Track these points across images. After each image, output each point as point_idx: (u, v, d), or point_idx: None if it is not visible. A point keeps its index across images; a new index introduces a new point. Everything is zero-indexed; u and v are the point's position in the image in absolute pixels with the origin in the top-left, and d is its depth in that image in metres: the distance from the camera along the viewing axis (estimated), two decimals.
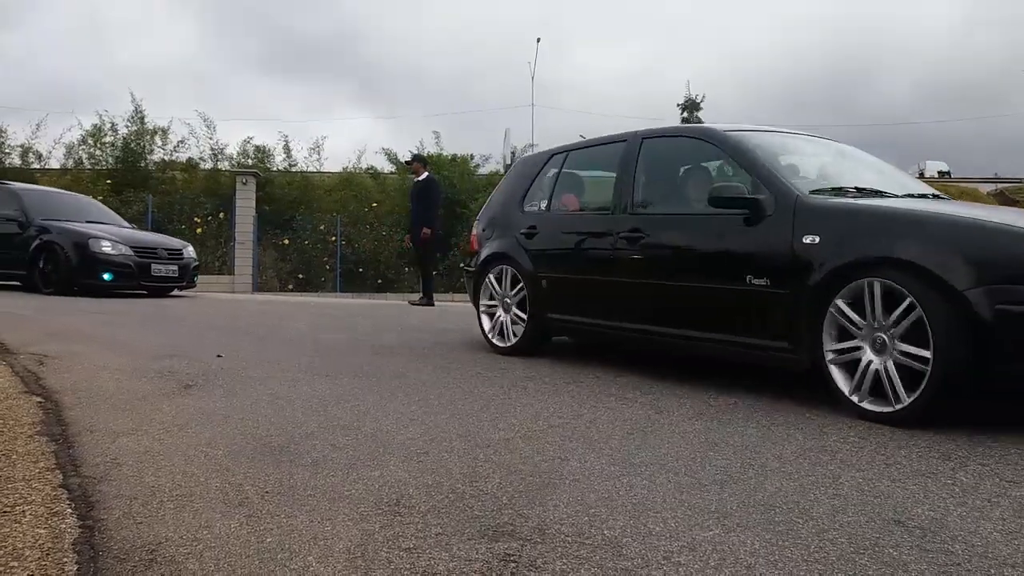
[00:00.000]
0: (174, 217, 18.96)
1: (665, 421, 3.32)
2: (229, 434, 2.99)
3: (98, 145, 21.91)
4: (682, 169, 4.82)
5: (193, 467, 2.56)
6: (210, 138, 22.58)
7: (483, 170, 23.93)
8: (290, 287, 19.29)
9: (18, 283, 10.80)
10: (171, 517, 2.12)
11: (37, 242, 10.31)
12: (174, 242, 11.67)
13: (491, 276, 5.53)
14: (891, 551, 1.93)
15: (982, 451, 2.86)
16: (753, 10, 66.90)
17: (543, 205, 5.52)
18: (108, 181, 20.05)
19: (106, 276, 10.16)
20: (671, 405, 3.65)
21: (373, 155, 43.65)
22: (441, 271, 18.86)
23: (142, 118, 21.83)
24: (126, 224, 12.36)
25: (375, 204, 21.00)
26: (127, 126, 21.79)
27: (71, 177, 20.52)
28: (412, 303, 11.27)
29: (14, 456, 2.63)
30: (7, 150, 22.00)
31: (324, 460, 2.66)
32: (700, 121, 32.90)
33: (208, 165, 22.48)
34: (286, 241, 19.62)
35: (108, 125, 21.75)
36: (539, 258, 5.20)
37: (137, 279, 10.47)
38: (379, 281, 19.62)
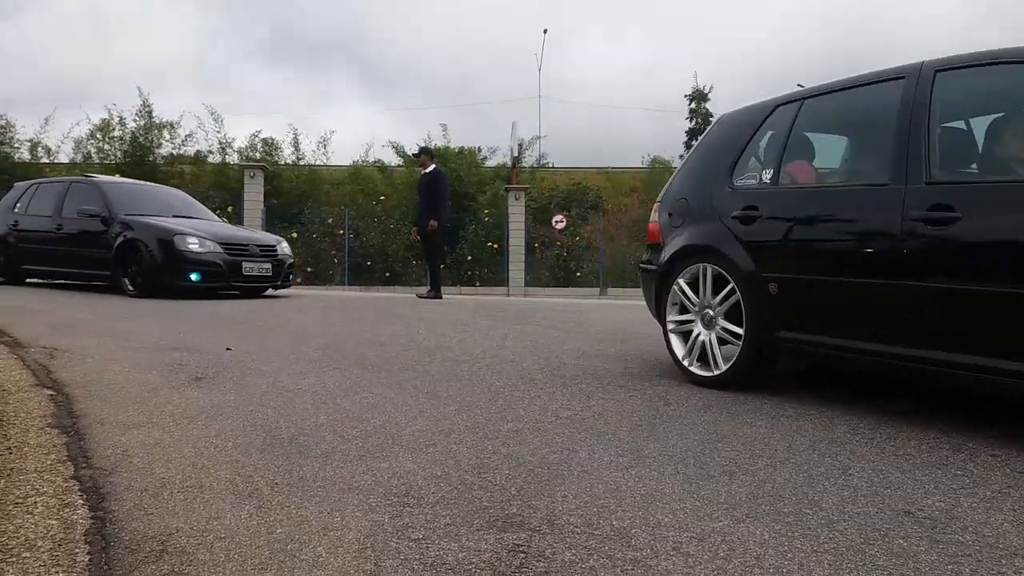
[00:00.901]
0: None
1: (674, 413, 3.32)
2: (239, 426, 3.00)
3: (107, 139, 22.03)
4: (1012, 113, 3.32)
5: (203, 459, 2.57)
6: (218, 132, 22.68)
7: (490, 162, 23.95)
8: (299, 280, 19.34)
9: (105, 284, 9.79)
10: (181, 508, 2.13)
11: (120, 240, 9.30)
12: (267, 237, 10.62)
13: (684, 278, 4.12)
14: (901, 542, 1.92)
15: (993, 442, 2.85)
16: (759, 3, 66.42)
17: (767, 177, 3.96)
18: (117, 175, 20.13)
19: (193, 276, 9.07)
20: (679, 397, 3.65)
21: (380, 148, 43.72)
22: (448, 264, 18.89)
23: (150, 112, 21.96)
24: (215, 218, 11.41)
25: (383, 197, 21.05)
26: (135, 120, 21.91)
27: (80, 171, 20.60)
28: (420, 296, 11.28)
29: (26, 448, 2.65)
30: (16, 144, 22.14)
31: (333, 452, 2.67)
32: (708, 112, 32.80)
33: (216, 159, 22.58)
34: (294, 234, 19.67)
35: (116, 119, 21.87)
36: (764, 252, 3.74)
37: (227, 279, 9.34)
38: (387, 274, 19.67)
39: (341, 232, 19.74)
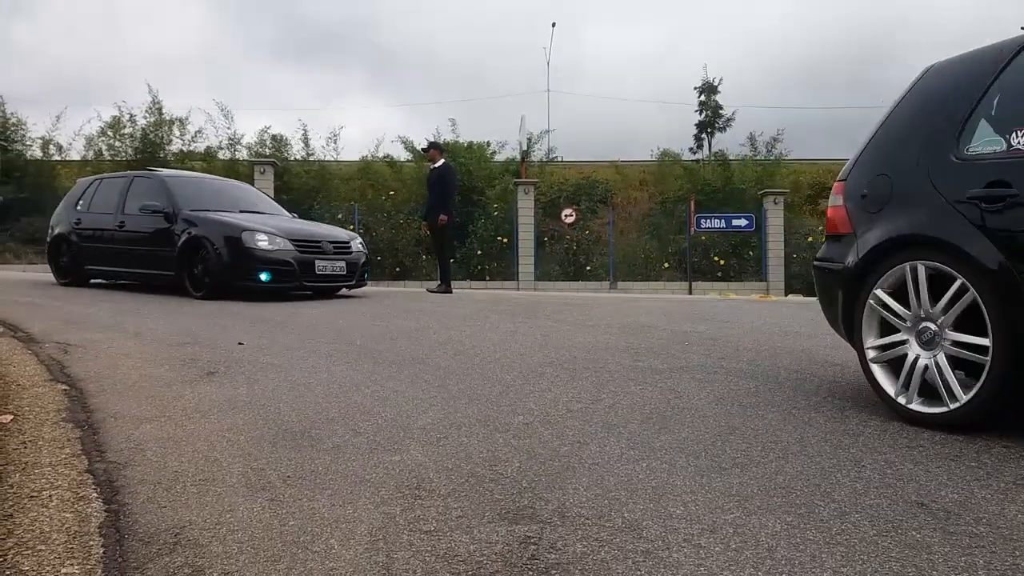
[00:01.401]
0: None
1: (685, 406, 3.31)
2: (251, 420, 3.01)
3: (117, 136, 22.15)
4: None
5: (216, 452, 2.59)
6: (228, 128, 22.79)
7: (499, 157, 23.92)
8: None
9: (169, 285, 8.99)
10: (195, 501, 2.14)
11: (185, 237, 8.57)
12: (340, 233, 9.76)
13: (897, 277, 3.15)
14: (914, 533, 1.92)
15: (1007, 434, 2.83)
16: None
17: (1019, 142, 2.93)
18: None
19: (263, 276, 8.29)
20: (690, 390, 3.64)
21: (390, 143, 43.75)
22: (458, 258, 18.90)
23: (160, 109, 22.05)
24: (285, 212, 10.52)
25: (392, 192, 21.06)
26: (145, 117, 22.01)
27: (92, 168, 20.77)
28: (430, 290, 11.29)
29: (40, 442, 2.67)
30: (28, 142, 22.30)
31: (345, 445, 2.68)
32: (718, 105, 32.65)
33: (226, 155, 22.67)
34: None
35: (127, 116, 21.98)
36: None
37: (299, 278, 8.54)
38: (397, 269, 19.69)
39: (351, 227, 19.77)
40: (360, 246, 9.55)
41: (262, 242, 8.37)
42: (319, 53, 74.58)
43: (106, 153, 22.21)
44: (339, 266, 8.95)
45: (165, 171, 10.48)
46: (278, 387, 3.60)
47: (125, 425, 2.92)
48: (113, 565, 1.76)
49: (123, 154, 21.92)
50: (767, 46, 61.50)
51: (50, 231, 10.60)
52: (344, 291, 9.59)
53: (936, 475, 2.37)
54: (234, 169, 21.48)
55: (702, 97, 32.79)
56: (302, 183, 21.35)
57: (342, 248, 9.18)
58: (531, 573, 1.71)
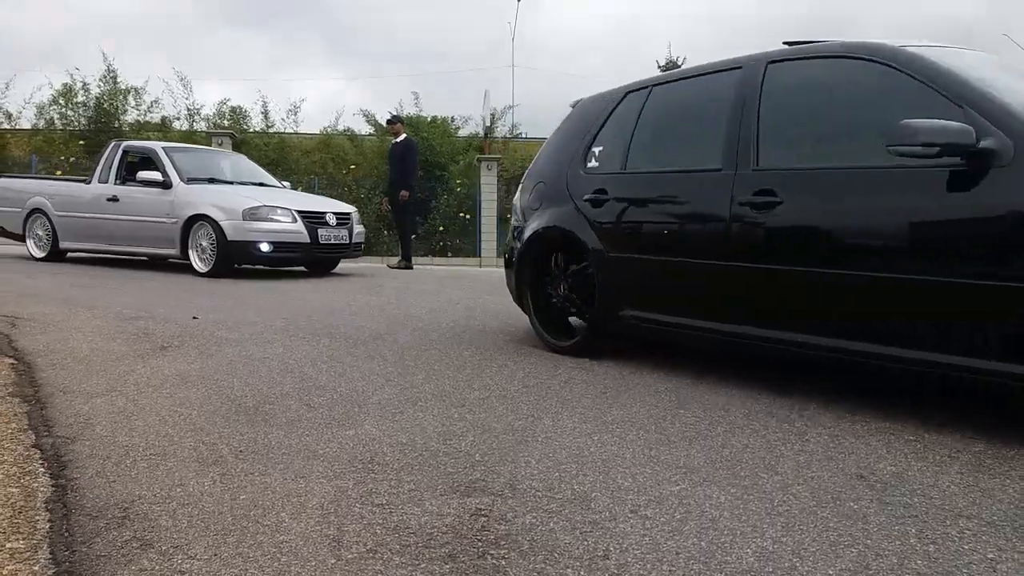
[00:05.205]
0: None
1: (638, 382, 3.36)
2: (204, 394, 2.99)
3: (70, 105, 21.51)
4: None
5: (167, 427, 2.57)
6: (186, 98, 22.28)
7: (463, 132, 23.76)
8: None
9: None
10: (144, 476, 2.13)
11: None
12: None
13: None
14: (852, 504, 1.98)
15: (945, 410, 2.92)
16: None
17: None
18: (81, 142, 19.74)
19: None
20: (645, 366, 3.69)
21: (351, 117, 43.09)
22: (420, 234, 18.80)
23: (114, 77, 21.44)
24: None
25: (353, 167, 20.82)
26: (99, 85, 21.40)
27: (43, 138, 20.21)
28: (391, 266, 11.24)
29: None
30: None
31: (299, 420, 2.68)
32: None
33: (183, 125, 22.19)
34: None
35: (80, 85, 21.34)
36: None
37: None
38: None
39: None
40: None
41: None
42: (281, 24, 73.10)
43: (58, 122, 21.59)
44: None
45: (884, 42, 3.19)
46: (233, 361, 3.57)
47: (74, 399, 2.88)
48: (59, 540, 1.75)
49: (76, 123, 21.31)
50: (732, 23, 61.66)
51: (514, 230, 4.64)
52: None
53: (876, 448, 2.44)
54: (191, 140, 21.04)
55: None
56: (261, 155, 20.99)
57: None
58: (480, 544, 1.74)
